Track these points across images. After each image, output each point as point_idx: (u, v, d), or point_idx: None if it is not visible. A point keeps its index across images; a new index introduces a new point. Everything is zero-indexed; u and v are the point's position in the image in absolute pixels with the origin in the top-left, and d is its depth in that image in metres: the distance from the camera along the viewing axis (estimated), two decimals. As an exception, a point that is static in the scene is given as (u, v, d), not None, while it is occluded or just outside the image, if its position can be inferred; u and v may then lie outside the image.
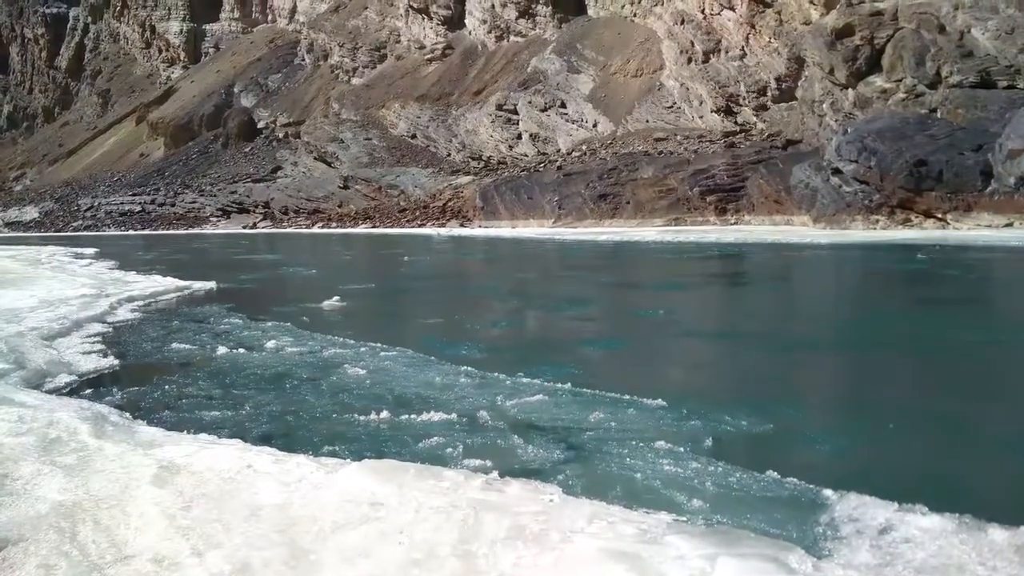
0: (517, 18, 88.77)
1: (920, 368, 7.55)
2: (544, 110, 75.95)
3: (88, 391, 6.59)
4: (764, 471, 4.20)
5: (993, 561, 2.99)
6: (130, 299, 13.03)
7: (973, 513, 3.39)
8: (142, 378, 7.14)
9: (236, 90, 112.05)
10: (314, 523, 3.35)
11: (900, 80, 45.37)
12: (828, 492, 3.82)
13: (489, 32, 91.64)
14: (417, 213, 71.94)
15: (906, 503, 3.54)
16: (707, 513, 3.71)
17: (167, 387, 6.73)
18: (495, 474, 3.99)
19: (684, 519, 3.53)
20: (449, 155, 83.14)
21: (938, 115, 41.08)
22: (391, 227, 69.19)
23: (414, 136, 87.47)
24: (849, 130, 39.04)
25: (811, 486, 3.95)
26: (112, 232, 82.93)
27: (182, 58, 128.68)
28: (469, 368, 7.02)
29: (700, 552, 2.91)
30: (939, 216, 33.77)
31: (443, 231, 59.02)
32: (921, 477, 4.36)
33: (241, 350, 8.39)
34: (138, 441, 4.55)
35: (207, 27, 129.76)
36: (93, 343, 8.78)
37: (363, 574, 2.93)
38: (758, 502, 3.84)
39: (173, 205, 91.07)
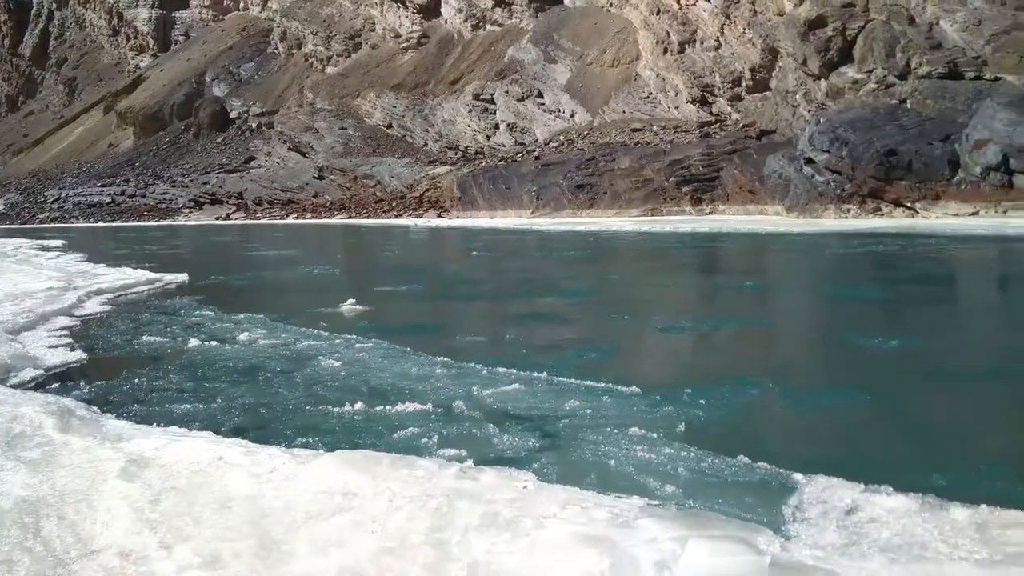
0: (493, 7, 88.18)
1: None
2: (521, 100, 75.71)
3: (54, 385, 6.45)
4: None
5: (955, 539, 3.07)
6: (99, 292, 12.78)
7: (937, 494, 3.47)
8: (111, 371, 7.01)
9: (208, 79, 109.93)
10: (286, 514, 3.32)
11: (871, 71, 46.01)
12: (797, 475, 3.89)
13: (465, 21, 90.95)
14: (394, 204, 71.38)
15: (872, 484, 3.61)
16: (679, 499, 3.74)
17: (136, 380, 6.61)
18: (470, 463, 3.99)
19: (656, 503, 3.56)
20: (426, 145, 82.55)
21: (908, 106, 41.77)
22: (367, 218, 68.59)
23: (390, 126, 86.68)
24: (822, 120, 39.56)
25: (780, 469, 4.01)
26: (80, 224, 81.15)
27: (151, 46, 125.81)
28: (445, 359, 7.01)
29: (671, 535, 2.94)
30: (908, 205, 34.42)
31: (420, 222, 58.61)
32: None
33: (213, 343, 8.28)
34: (105, 435, 4.47)
35: (177, 15, 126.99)
36: (60, 337, 8.60)
37: (335, 564, 2.92)
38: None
39: (144, 196, 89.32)
